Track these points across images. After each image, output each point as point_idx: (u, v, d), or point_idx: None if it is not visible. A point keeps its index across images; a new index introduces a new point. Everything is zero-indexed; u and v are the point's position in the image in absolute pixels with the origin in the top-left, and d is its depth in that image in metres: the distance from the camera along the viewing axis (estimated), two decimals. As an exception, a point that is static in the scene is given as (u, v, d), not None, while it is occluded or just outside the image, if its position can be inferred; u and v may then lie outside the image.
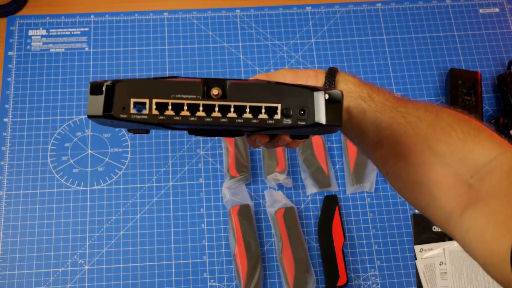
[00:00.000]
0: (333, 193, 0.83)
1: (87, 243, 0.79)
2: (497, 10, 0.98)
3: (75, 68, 0.91)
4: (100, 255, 0.79)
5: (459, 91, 0.87)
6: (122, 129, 0.86)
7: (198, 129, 0.43)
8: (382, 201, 0.83)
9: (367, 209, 0.83)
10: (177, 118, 0.41)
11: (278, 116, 0.41)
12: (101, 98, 0.41)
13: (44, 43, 0.92)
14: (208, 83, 0.41)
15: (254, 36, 0.94)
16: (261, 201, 0.83)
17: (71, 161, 0.84)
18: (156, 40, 0.93)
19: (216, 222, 0.81)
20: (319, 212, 0.82)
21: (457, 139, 0.46)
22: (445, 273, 0.79)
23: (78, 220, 0.81)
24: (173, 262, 0.79)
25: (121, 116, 0.41)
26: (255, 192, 0.83)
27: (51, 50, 0.92)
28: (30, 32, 0.93)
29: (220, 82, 0.41)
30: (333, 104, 0.42)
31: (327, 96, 0.42)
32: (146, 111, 0.41)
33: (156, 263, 0.79)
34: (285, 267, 0.77)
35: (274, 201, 0.81)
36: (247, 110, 0.41)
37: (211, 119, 0.41)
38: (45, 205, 0.81)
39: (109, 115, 0.41)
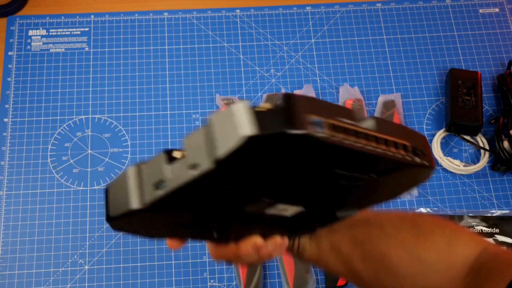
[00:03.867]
0: (333, 193, 0.83)
1: (87, 243, 0.79)
2: (497, 10, 0.98)
3: (75, 68, 0.91)
4: (100, 255, 0.79)
5: (459, 91, 0.87)
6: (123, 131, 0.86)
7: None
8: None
9: (367, 209, 0.83)
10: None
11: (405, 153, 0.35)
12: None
13: (44, 43, 0.92)
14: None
15: (254, 36, 0.94)
16: (261, 201, 0.83)
17: (71, 161, 0.84)
18: (156, 40, 0.93)
19: (216, 222, 0.81)
20: (319, 212, 0.82)
21: (443, 245, 0.46)
22: (445, 273, 0.79)
23: (78, 220, 0.81)
24: (173, 262, 0.79)
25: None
26: (255, 192, 0.83)
27: (51, 50, 0.92)
28: (30, 32, 0.93)
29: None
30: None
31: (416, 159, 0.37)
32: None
33: (156, 263, 0.79)
34: (285, 267, 0.77)
35: (274, 201, 0.81)
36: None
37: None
38: (45, 205, 0.81)
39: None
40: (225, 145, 0.29)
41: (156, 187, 0.34)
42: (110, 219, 0.37)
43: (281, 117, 0.29)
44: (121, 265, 0.78)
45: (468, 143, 0.87)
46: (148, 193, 0.34)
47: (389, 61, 0.93)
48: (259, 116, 0.28)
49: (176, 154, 0.34)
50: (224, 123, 0.29)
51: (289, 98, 0.30)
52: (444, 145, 0.88)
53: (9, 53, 0.91)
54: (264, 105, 0.29)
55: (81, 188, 0.83)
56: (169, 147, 0.35)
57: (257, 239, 0.41)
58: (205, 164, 0.30)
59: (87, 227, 0.80)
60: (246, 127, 0.28)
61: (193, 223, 0.40)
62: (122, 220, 0.37)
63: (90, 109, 0.88)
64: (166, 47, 0.93)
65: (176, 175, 0.33)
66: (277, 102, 0.30)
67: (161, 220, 0.39)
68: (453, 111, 0.85)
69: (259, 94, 0.90)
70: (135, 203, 0.35)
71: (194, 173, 0.31)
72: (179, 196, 0.34)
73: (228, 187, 0.34)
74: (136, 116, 0.87)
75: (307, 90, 0.89)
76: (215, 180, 0.32)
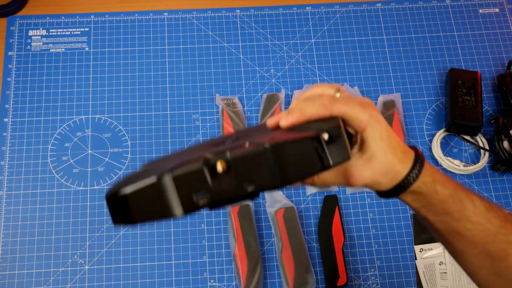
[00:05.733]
0: (333, 193, 0.83)
1: (87, 243, 0.79)
2: (497, 10, 0.98)
3: (75, 68, 0.91)
4: (100, 255, 0.79)
5: (459, 91, 0.87)
6: (123, 129, 0.86)
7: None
8: (382, 201, 0.83)
9: (367, 209, 0.83)
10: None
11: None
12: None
13: (44, 43, 0.92)
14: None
15: (254, 36, 0.94)
16: (261, 201, 0.83)
17: (71, 161, 0.84)
18: (156, 40, 0.93)
19: (216, 222, 0.81)
20: (319, 212, 0.82)
21: None
22: (445, 273, 0.79)
23: (78, 220, 0.81)
24: (173, 262, 0.79)
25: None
26: (255, 192, 0.83)
27: (51, 50, 0.92)
28: (30, 32, 0.93)
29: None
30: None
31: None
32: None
33: (156, 263, 0.79)
34: (285, 267, 0.77)
35: (274, 201, 0.81)
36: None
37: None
38: (45, 205, 0.81)
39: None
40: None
41: (196, 197, 0.39)
42: (131, 223, 0.39)
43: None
44: (121, 265, 0.78)
45: (468, 143, 0.87)
46: (189, 203, 0.39)
47: (389, 61, 0.93)
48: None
49: (219, 167, 0.39)
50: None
51: None
52: (444, 145, 0.88)
53: (9, 53, 0.91)
54: None
55: (81, 188, 0.83)
56: (204, 157, 0.39)
57: None
58: (269, 183, 0.40)
59: (87, 227, 0.80)
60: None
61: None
62: (144, 222, 0.40)
63: (90, 109, 0.88)
64: (166, 47, 0.93)
65: (224, 189, 0.39)
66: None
67: None
68: (453, 111, 0.85)
69: (259, 94, 0.90)
70: (177, 212, 0.39)
71: (250, 188, 0.40)
72: (218, 205, 0.40)
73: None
74: (136, 116, 0.87)
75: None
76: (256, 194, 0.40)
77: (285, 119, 0.46)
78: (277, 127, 0.47)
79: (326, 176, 0.49)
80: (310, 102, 0.46)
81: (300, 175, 0.41)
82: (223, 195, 0.39)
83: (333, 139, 0.42)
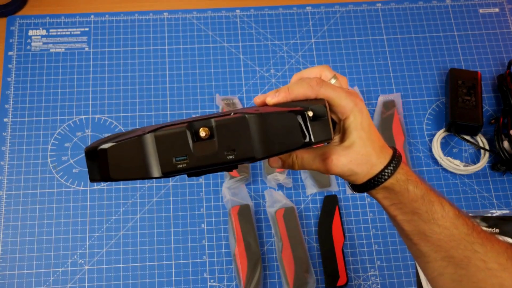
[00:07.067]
0: (333, 193, 0.83)
1: (87, 243, 0.79)
2: (497, 10, 0.98)
3: (75, 68, 0.91)
4: (100, 255, 0.79)
5: (459, 91, 0.87)
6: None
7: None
8: (382, 201, 0.83)
9: (367, 209, 0.83)
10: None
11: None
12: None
13: (44, 43, 0.92)
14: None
15: (254, 36, 0.94)
16: (261, 201, 0.83)
17: (71, 161, 0.84)
18: (156, 40, 0.93)
19: (216, 222, 0.81)
20: (319, 212, 0.82)
21: None
22: (445, 273, 0.79)
23: (78, 220, 0.81)
24: (173, 262, 0.79)
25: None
26: (255, 192, 0.83)
27: (51, 50, 0.92)
28: (30, 32, 0.93)
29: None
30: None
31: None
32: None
33: (156, 263, 0.79)
34: (285, 267, 0.77)
35: (274, 201, 0.81)
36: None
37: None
38: (45, 205, 0.81)
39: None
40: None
41: (176, 160, 0.39)
42: (108, 179, 0.40)
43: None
44: (121, 265, 0.78)
45: (468, 143, 0.87)
46: (168, 164, 0.39)
47: (389, 61, 0.93)
48: None
49: (201, 133, 0.39)
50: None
51: None
52: (444, 145, 0.88)
53: (9, 53, 0.91)
54: None
55: (81, 188, 0.83)
56: (189, 122, 0.39)
57: None
58: (250, 153, 0.40)
59: (87, 227, 0.80)
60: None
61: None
62: (121, 180, 0.40)
63: (90, 109, 0.88)
64: (166, 47, 0.93)
65: (204, 154, 0.39)
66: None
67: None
68: (453, 111, 0.85)
69: (259, 94, 0.90)
70: (155, 172, 0.39)
71: (230, 157, 0.39)
72: (197, 170, 0.40)
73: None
74: (136, 116, 0.87)
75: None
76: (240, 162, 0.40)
77: (272, 96, 0.47)
78: (264, 104, 0.48)
79: (305, 159, 0.49)
80: (299, 82, 0.47)
81: (281, 148, 0.41)
82: (202, 160, 0.40)
83: (317, 118, 0.43)
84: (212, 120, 0.40)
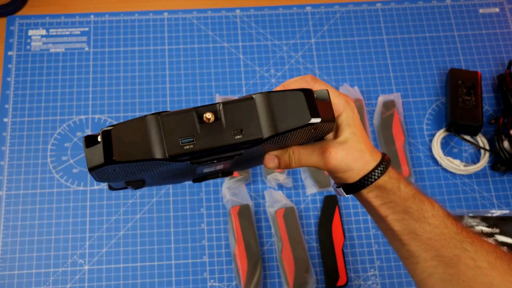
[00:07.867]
0: (333, 193, 0.83)
1: (87, 243, 0.79)
2: (497, 10, 0.98)
3: (75, 68, 0.91)
4: (100, 255, 0.79)
5: (459, 91, 0.87)
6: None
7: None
8: (382, 201, 0.83)
9: (367, 209, 0.83)
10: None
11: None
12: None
13: (44, 43, 0.92)
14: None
15: (254, 36, 0.94)
16: (261, 201, 0.83)
17: (71, 161, 0.84)
18: (156, 40, 0.93)
19: (216, 222, 0.81)
20: (319, 212, 0.82)
21: None
22: (445, 273, 0.79)
23: (78, 220, 0.81)
24: (173, 262, 0.79)
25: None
26: (255, 192, 0.83)
27: (51, 50, 0.92)
28: (30, 32, 0.93)
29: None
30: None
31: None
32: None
33: (156, 263, 0.79)
34: (285, 267, 0.77)
35: (274, 201, 0.81)
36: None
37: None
38: (45, 205, 0.81)
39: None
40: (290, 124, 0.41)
41: (182, 142, 0.38)
42: (112, 162, 0.38)
43: None
44: (121, 265, 0.78)
45: (468, 143, 0.87)
46: (174, 146, 0.38)
47: (389, 61, 0.93)
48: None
49: (208, 115, 0.39)
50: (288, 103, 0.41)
51: None
52: (444, 145, 0.88)
53: (9, 53, 0.91)
54: None
55: (81, 188, 0.83)
56: (195, 106, 0.39)
57: None
58: (258, 132, 0.40)
59: (87, 227, 0.80)
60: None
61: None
62: (123, 165, 0.39)
63: (90, 109, 0.88)
64: (166, 47, 0.93)
65: (212, 135, 0.39)
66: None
67: (165, 169, 0.42)
68: (453, 111, 0.85)
69: (259, 94, 0.90)
70: (158, 153, 0.38)
71: (238, 136, 0.40)
72: (203, 154, 0.40)
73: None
74: (136, 116, 0.87)
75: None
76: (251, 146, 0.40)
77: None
78: None
79: (302, 153, 0.50)
80: (295, 79, 0.49)
81: (289, 126, 0.42)
82: (210, 142, 0.39)
83: (320, 100, 0.44)
84: (218, 104, 0.40)
